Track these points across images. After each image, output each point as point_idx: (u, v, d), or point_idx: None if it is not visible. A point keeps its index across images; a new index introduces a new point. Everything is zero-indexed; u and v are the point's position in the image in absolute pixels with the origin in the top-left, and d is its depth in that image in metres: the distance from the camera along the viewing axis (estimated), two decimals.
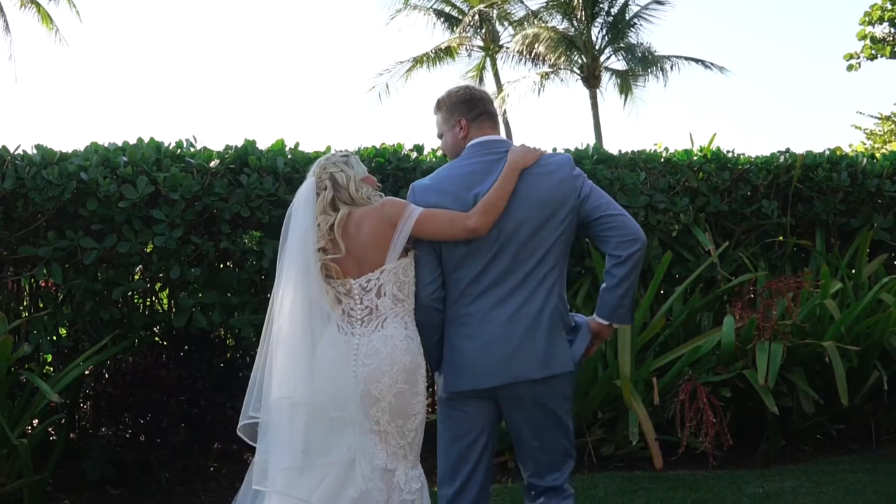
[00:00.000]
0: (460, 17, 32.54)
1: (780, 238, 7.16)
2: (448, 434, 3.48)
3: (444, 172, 3.53)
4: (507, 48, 31.45)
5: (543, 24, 29.61)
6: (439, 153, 6.35)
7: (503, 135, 3.70)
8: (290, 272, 3.33)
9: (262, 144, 5.91)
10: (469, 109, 3.58)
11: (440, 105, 3.65)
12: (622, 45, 29.48)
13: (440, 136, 3.68)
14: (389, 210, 3.38)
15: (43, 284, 5.74)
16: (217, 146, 5.83)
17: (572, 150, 6.68)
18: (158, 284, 6.02)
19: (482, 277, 3.37)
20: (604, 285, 3.45)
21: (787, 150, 7.25)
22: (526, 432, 3.46)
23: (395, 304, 3.34)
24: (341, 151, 3.65)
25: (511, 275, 3.37)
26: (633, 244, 3.38)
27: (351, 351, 3.28)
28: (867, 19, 19.95)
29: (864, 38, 20.14)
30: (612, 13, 29.48)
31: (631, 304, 3.47)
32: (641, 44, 29.20)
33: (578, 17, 28.91)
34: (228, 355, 5.89)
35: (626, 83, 29.61)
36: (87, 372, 5.68)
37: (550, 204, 3.39)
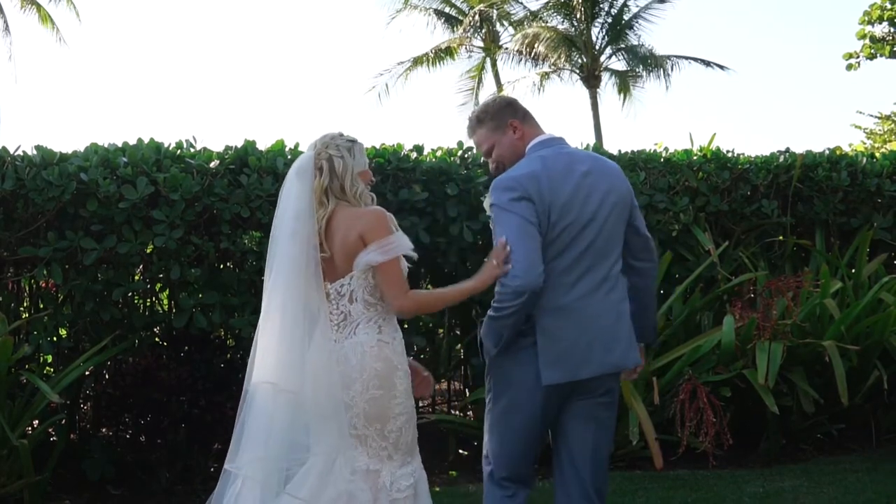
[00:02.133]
0: (460, 17, 32.48)
1: (780, 238, 7.16)
2: (520, 430, 3.42)
3: (538, 163, 3.40)
4: (507, 48, 31.43)
5: (543, 24, 29.60)
6: (439, 153, 6.35)
7: None
8: (283, 256, 3.26)
9: (262, 145, 5.91)
10: (515, 111, 3.57)
11: (482, 119, 3.58)
12: (622, 45, 29.46)
13: (489, 150, 3.58)
14: (367, 226, 3.24)
15: (43, 285, 5.75)
16: (217, 147, 5.84)
17: None
18: (159, 285, 6.02)
19: (576, 266, 3.35)
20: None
21: (787, 150, 7.25)
22: (588, 436, 3.45)
23: (367, 309, 3.26)
24: (349, 136, 3.47)
25: (599, 265, 3.40)
26: (651, 256, 3.61)
27: (327, 355, 3.23)
28: (867, 18, 19.94)
29: (863, 37, 20.12)
30: (612, 13, 29.47)
31: (655, 322, 3.64)
32: (642, 45, 29.21)
33: (578, 17, 28.90)
34: (228, 356, 5.89)
35: (624, 83, 29.60)
36: (87, 372, 5.68)
37: (625, 201, 3.50)
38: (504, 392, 3.42)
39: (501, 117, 3.54)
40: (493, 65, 32.71)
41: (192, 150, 5.78)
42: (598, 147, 6.85)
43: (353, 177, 3.34)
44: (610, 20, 29.45)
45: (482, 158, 6.36)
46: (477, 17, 31.59)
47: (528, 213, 3.27)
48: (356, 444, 3.22)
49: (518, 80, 30.39)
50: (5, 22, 29.10)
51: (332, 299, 3.28)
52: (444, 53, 32.33)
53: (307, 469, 3.20)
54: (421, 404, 6.73)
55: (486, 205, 3.48)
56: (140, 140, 5.69)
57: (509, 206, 3.29)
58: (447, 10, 33.10)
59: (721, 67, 29.33)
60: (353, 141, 3.43)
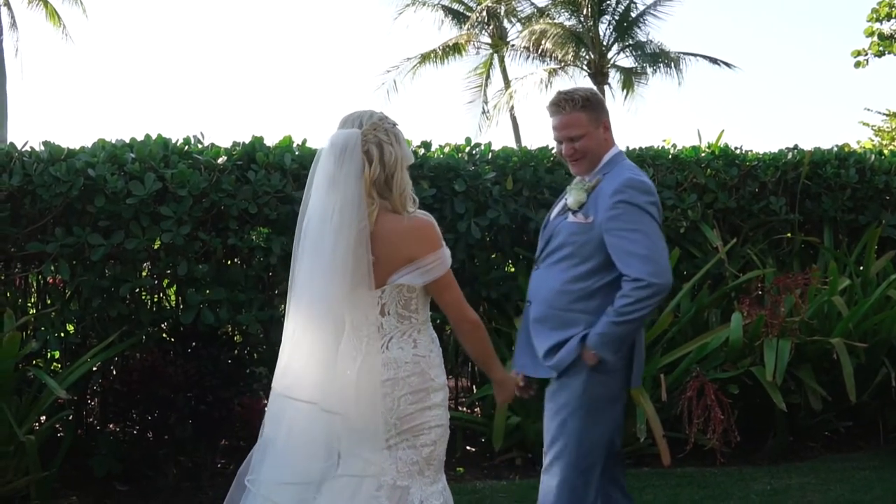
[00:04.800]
0: (468, 13, 32.47)
1: (788, 235, 7.14)
2: (608, 434, 3.58)
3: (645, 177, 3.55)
4: (515, 45, 31.36)
5: (550, 21, 29.54)
6: (447, 150, 6.33)
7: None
8: (325, 254, 2.91)
9: (270, 141, 5.91)
10: (607, 113, 3.61)
11: (586, 106, 3.51)
12: (631, 41, 29.39)
13: (576, 137, 3.52)
14: (421, 245, 2.97)
15: (51, 281, 5.75)
16: (225, 143, 5.85)
17: None
18: (166, 281, 6.02)
19: None
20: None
21: (795, 147, 7.23)
22: None
23: (400, 323, 3.02)
24: (389, 118, 3.00)
25: None
26: None
27: (377, 372, 3.03)
28: (875, 16, 19.83)
29: (871, 34, 20.01)
30: (619, 10, 29.40)
31: None
32: (651, 41, 29.13)
33: (585, 13, 28.84)
34: (236, 352, 5.88)
35: (628, 79, 29.50)
36: (94, 368, 5.68)
37: None
38: (610, 401, 3.56)
39: (600, 112, 3.57)
40: (501, 61, 32.67)
41: (199, 146, 5.78)
42: None
43: (403, 171, 2.95)
44: (617, 17, 29.38)
45: (489, 154, 6.36)
46: (484, 14, 31.54)
47: (659, 218, 3.49)
48: (387, 457, 3.02)
49: (526, 77, 30.31)
50: (12, 17, 29.15)
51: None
52: (451, 50, 32.26)
53: (336, 491, 3.03)
54: None
55: (577, 196, 3.50)
56: (147, 136, 5.69)
57: (650, 208, 3.45)
58: (454, 5, 33.07)
59: (728, 65, 29.30)
60: (395, 123, 3.00)
